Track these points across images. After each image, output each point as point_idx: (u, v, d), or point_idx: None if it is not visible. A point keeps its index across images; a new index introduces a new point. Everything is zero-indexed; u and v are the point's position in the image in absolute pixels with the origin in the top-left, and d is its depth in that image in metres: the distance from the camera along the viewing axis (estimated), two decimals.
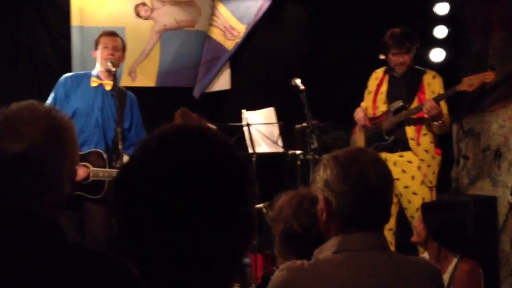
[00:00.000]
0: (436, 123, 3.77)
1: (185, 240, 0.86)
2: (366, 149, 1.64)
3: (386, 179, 1.54)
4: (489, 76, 3.67)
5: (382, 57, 3.97)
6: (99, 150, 3.47)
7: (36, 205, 1.26)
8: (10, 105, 1.33)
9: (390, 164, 3.82)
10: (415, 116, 3.86)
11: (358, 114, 4.06)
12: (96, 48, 3.62)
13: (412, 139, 3.86)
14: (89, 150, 3.47)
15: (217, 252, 0.88)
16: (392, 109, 3.91)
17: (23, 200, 1.25)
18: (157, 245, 0.86)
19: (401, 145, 3.88)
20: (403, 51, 3.84)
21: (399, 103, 3.89)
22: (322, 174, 1.54)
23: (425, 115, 3.78)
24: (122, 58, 3.67)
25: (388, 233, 3.83)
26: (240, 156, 0.93)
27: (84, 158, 3.43)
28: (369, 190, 1.49)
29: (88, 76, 3.62)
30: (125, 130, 3.56)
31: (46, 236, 1.22)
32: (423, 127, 3.87)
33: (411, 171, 3.84)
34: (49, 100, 3.56)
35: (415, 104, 3.87)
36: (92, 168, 3.41)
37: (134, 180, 0.88)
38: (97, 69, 3.64)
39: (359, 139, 4.14)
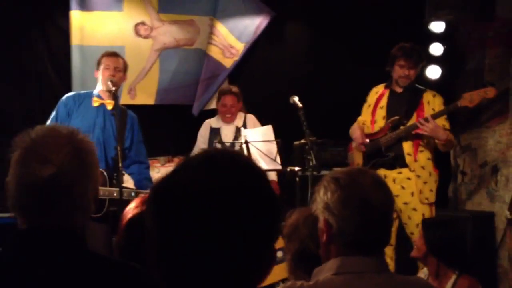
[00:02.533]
0: (440, 141, 3.78)
1: (210, 258, 0.88)
2: (367, 171, 1.61)
3: (387, 202, 1.53)
4: (489, 92, 3.70)
5: (388, 68, 4.01)
6: (100, 169, 3.49)
7: (63, 223, 1.34)
8: (35, 128, 1.40)
9: (389, 181, 3.85)
10: (413, 132, 3.89)
11: (356, 132, 4.08)
12: (97, 68, 3.66)
13: (409, 154, 3.88)
14: None
15: (239, 277, 0.91)
16: (390, 124, 3.94)
17: (50, 219, 1.33)
18: (182, 257, 0.89)
19: (400, 161, 3.91)
20: (410, 65, 3.89)
21: (396, 118, 3.92)
22: (322, 196, 1.53)
23: (425, 133, 3.80)
24: (123, 78, 3.72)
25: (389, 249, 3.85)
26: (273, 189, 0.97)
27: None
28: (371, 215, 1.49)
29: (89, 95, 3.66)
30: (126, 148, 3.59)
31: (76, 249, 1.32)
32: (421, 143, 3.89)
33: (410, 188, 3.86)
34: (51, 119, 3.59)
35: (413, 121, 3.90)
36: None
37: (174, 191, 0.91)
38: (99, 88, 3.67)
39: (357, 155, 4.16)
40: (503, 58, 4.58)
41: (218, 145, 4.16)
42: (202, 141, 4.28)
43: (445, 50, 4.86)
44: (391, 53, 3.95)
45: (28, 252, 1.30)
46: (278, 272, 3.86)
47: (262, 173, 0.97)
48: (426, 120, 3.73)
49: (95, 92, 3.67)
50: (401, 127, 3.90)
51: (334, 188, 1.52)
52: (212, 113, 5.15)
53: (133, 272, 1.33)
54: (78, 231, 1.36)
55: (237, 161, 0.95)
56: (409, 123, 3.90)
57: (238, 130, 4.28)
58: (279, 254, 3.95)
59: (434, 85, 4.43)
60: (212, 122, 4.43)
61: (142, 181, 3.68)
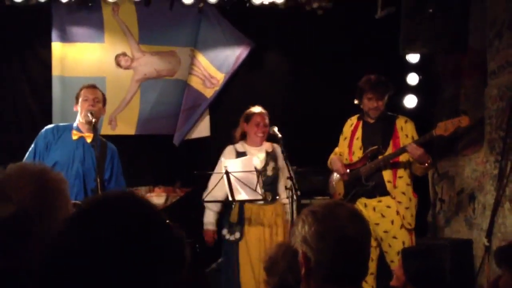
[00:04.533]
0: (422, 165, 3.84)
1: None
2: (344, 204, 1.64)
3: (363, 235, 1.55)
4: (463, 121, 3.78)
5: (356, 102, 4.09)
6: (78, 202, 3.47)
7: (26, 264, 1.30)
8: (7, 166, 1.40)
9: (369, 209, 3.90)
10: (390, 161, 3.96)
11: (337, 164, 4.13)
12: (77, 102, 3.67)
13: (389, 181, 3.94)
14: None
15: None
16: (368, 154, 4.00)
17: (13, 259, 1.31)
18: None
19: (379, 189, 3.96)
20: (377, 96, 3.97)
21: (374, 148, 3.99)
22: (300, 230, 1.55)
23: (410, 159, 3.86)
24: (102, 110, 3.73)
25: (370, 277, 3.87)
26: (157, 221, 0.93)
27: None
28: (347, 247, 1.51)
29: (69, 128, 3.66)
30: (105, 181, 3.58)
31: None
32: (399, 170, 3.96)
33: (390, 216, 3.91)
34: (29, 152, 3.57)
35: (390, 149, 3.97)
36: None
37: (50, 262, 0.91)
38: (78, 121, 3.68)
39: (338, 185, 4.21)
40: (477, 88, 4.69)
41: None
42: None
43: (420, 80, 4.98)
44: (358, 86, 4.04)
45: None
46: None
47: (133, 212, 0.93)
48: (412, 145, 3.79)
49: (74, 125, 3.68)
50: (380, 157, 3.97)
51: (311, 221, 1.54)
52: (192, 143, 5.18)
53: None
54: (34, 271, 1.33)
55: (99, 215, 0.92)
56: (387, 152, 3.97)
57: (268, 155, 4.14)
58: None
59: (410, 114, 4.51)
60: (237, 147, 4.26)
61: None
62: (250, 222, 4.06)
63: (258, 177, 3.97)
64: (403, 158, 3.95)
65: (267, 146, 4.25)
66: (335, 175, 4.22)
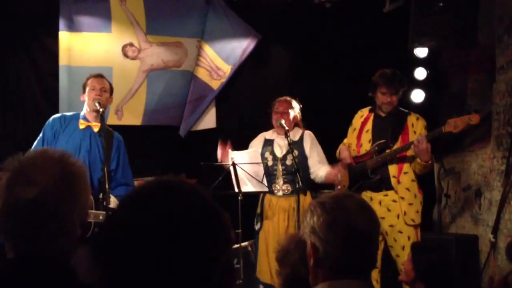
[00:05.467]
0: (423, 162, 3.79)
1: None
2: (353, 195, 1.64)
3: (372, 226, 1.55)
4: (474, 119, 3.76)
5: (370, 94, 4.07)
6: None
7: (49, 249, 1.31)
8: (27, 152, 1.41)
9: (375, 203, 3.89)
10: (397, 156, 3.94)
11: (344, 153, 4.12)
12: (84, 91, 3.66)
13: (394, 176, 3.93)
14: None
15: None
16: (376, 148, 3.99)
17: (36, 244, 1.31)
18: None
19: (385, 184, 3.95)
20: (391, 91, 3.95)
21: (382, 142, 3.97)
22: (309, 220, 1.55)
23: (413, 152, 3.82)
24: (109, 100, 3.72)
25: (374, 271, 3.86)
26: (209, 203, 0.97)
27: None
28: (356, 238, 1.50)
29: (76, 117, 3.65)
30: (112, 171, 3.57)
31: (60, 280, 1.27)
32: (405, 165, 3.94)
33: (396, 210, 3.90)
34: (37, 141, 3.57)
35: (398, 144, 3.95)
36: None
37: (111, 237, 0.93)
38: (85, 111, 3.67)
39: (343, 177, 4.19)
40: (484, 83, 4.66)
41: (269, 157, 4.12)
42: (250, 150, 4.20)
43: (428, 75, 4.95)
44: (372, 80, 4.02)
45: (16, 285, 1.26)
46: None
47: (188, 194, 0.97)
48: (422, 139, 3.76)
49: (81, 114, 3.67)
50: (387, 151, 3.95)
51: (320, 212, 1.54)
52: (198, 135, 5.17)
53: None
54: (66, 259, 1.33)
55: (158, 193, 0.98)
56: (395, 147, 3.95)
57: (294, 143, 4.04)
58: None
59: (418, 108, 4.51)
60: (267, 134, 4.29)
61: None
62: (268, 212, 4.09)
63: (265, 168, 3.98)
64: (410, 153, 3.93)
65: (295, 135, 4.17)
66: (341, 166, 4.21)
